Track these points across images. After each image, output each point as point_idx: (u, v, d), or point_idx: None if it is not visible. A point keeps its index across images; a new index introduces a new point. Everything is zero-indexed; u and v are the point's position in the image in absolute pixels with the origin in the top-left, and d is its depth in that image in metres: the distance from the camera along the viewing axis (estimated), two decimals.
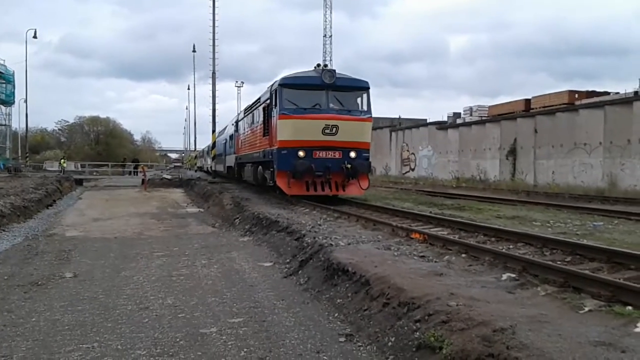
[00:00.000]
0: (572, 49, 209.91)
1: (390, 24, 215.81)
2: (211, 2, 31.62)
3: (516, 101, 46.63)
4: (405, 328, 4.62)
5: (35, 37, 44.75)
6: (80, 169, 45.52)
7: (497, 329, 3.92)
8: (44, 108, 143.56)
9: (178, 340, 4.99)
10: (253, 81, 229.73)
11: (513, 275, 5.72)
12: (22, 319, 5.63)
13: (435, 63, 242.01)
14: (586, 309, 4.52)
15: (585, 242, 7.71)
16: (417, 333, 4.43)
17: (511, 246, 7.62)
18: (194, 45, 49.43)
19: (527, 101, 44.72)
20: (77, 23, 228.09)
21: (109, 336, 5.09)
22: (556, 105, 36.88)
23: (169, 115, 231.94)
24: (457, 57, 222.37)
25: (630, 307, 4.42)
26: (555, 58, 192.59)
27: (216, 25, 32.03)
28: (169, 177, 38.51)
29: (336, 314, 5.71)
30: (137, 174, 42.63)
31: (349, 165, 14.33)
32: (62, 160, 46.79)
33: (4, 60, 46.72)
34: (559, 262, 6.28)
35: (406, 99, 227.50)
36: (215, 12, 31.94)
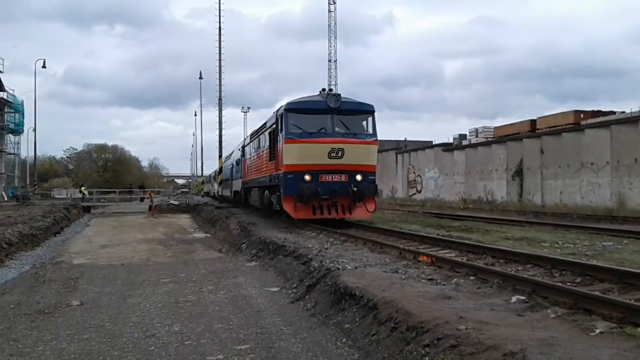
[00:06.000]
0: (565, 71, 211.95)
1: (384, 51, 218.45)
2: (213, 32, 32.29)
3: (522, 122, 46.65)
4: (414, 353, 4.56)
5: (44, 66, 45.44)
6: (88, 196, 45.62)
7: (507, 353, 3.86)
8: (51, 137, 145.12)
9: None
10: (255, 107, 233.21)
11: (522, 298, 5.66)
12: (28, 349, 5.60)
13: (431, 87, 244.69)
14: (597, 331, 4.45)
15: (594, 262, 7.63)
16: (427, 358, 4.37)
17: (520, 268, 7.55)
18: (200, 73, 50.14)
19: (533, 122, 44.73)
20: (82, 55, 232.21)
21: None
22: (562, 125, 36.88)
23: (175, 142, 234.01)
24: (452, 81, 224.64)
25: None
26: (549, 80, 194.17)
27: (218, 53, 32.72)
28: (176, 202, 38.61)
29: (344, 339, 5.65)
30: (143, 200, 42.74)
31: (355, 189, 14.32)
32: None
33: (13, 90, 47.44)
34: (568, 284, 6.21)
35: (406, 122, 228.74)
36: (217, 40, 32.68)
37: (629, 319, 4.58)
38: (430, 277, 7.11)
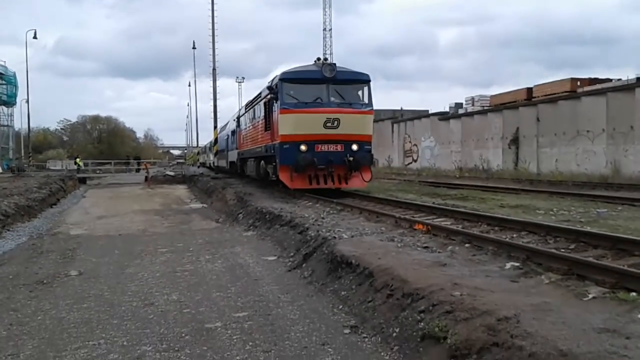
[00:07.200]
0: (558, 39, 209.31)
1: (377, 19, 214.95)
2: (206, 1, 31.87)
3: (518, 90, 46.35)
4: (410, 319, 4.63)
5: (35, 37, 44.76)
6: (83, 168, 45.45)
7: (501, 318, 3.92)
8: (44, 108, 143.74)
9: (183, 335, 5.01)
10: (249, 77, 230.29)
11: (517, 264, 5.71)
12: (28, 318, 5.66)
13: (425, 56, 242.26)
14: (590, 296, 4.51)
15: (589, 229, 7.69)
16: (422, 323, 4.43)
17: (515, 235, 7.60)
18: (193, 43, 49.47)
19: (529, 90, 44.43)
20: (72, 26, 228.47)
21: (114, 333, 5.12)
22: (558, 93, 36.68)
23: (169, 113, 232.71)
24: (446, 50, 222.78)
25: (634, 294, 4.41)
26: (542, 48, 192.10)
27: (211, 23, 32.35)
28: (172, 173, 38.54)
29: (341, 306, 5.72)
30: (139, 171, 42.67)
31: (351, 158, 14.31)
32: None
33: (5, 62, 46.84)
34: (562, 250, 6.27)
35: (402, 91, 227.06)
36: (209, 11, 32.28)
37: (621, 284, 4.64)
38: (425, 245, 7.16)
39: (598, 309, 4.15)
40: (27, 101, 47.22)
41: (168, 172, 40.17)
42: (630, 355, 3.16)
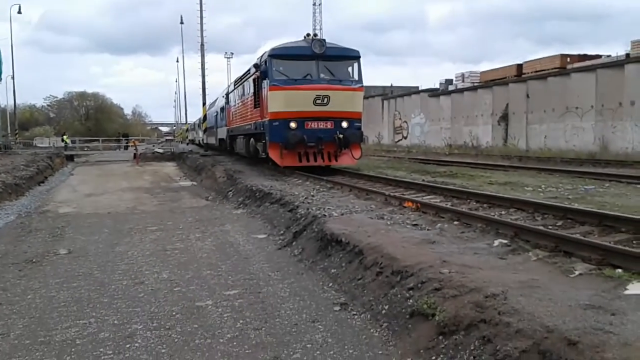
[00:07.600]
0: (548, 14, 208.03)
1: None
2: None
3: (508, 66, 46.21)
4: (399, 296, 4.67)
5: (19, 12, 43.98)
6: (70, 145, 44.92)
7: (489, 295, 3.96)
8: (31, 84, 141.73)
9: (174, 313, 5.03)
10: (237, 52, 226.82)
11: (505, 241, 5.77)
12: (17, 297, 5.65)
13: (415, 31, 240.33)
14: (577, 272, 4.57)
15: (576, 206, 7.75)
16: (410, 300, 4.48)
17: (503, 212, 7.66)
18: (181, 17, 48.47)
19: (519, 66, 44.29)
20: (56, 0, 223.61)
21: (105, 312, 5.13)
22: (548, 69, 36.65)
23: (157, 89, 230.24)
24: (436, 25, 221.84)
25: (620, 270, 4.47)
26: (532, 24, 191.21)
27: None
28: (160, 150, 38.29)
29: (330, 284, 5.76)
30: (127, 149, 42.34)
31: (341, 135, 14.26)
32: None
33: None
34: (550, 227, 6.33)
35: (392, 66, 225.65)
36: None
37: (608, 261, 4.70)
38: (415, 222, 7.20)
39: (584, 285, 4.21)
40: (13, 77, 46.51)
41: (157, 150, 39.89)
42: (616, 331, 3.21)
